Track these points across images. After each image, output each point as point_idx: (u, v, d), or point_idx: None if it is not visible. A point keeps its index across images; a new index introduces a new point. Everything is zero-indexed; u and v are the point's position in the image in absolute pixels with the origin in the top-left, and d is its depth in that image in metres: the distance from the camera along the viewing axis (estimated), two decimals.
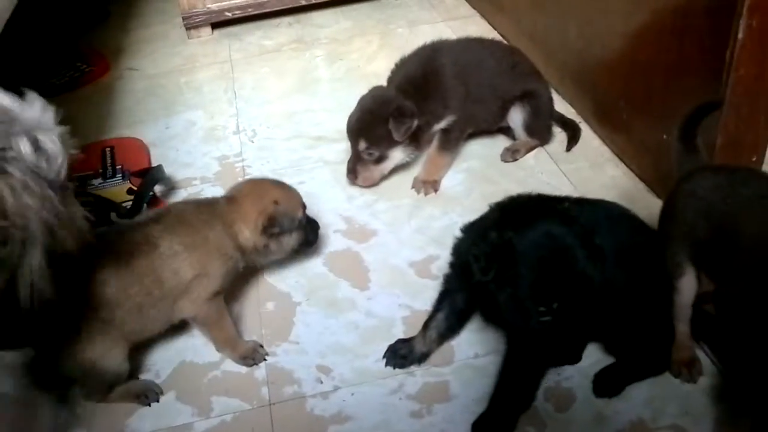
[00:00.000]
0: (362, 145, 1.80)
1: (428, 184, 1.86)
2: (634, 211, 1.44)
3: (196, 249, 1.40)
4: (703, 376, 1.34)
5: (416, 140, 1.84)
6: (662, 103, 1.68)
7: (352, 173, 1.85)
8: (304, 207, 1.55)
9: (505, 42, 2.03)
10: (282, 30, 2.76)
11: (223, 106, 2.32)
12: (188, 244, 1.39)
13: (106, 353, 1.34)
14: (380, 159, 1.83)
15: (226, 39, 2.74)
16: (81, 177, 1.92)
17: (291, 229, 1.50)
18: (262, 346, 1.49)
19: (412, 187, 1.88)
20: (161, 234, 1.39)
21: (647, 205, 1.74)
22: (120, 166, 1.95)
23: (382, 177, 1.88)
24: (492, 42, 2.04)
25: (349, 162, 1.86)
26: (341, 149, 2.05)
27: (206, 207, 1.48)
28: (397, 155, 1.84)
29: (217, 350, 1.48)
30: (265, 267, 1.65)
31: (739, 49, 1.39)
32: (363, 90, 2.28)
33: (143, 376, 1.46)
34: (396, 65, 1.95)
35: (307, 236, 1.57)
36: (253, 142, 2.12)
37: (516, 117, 1.94)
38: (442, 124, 1.85)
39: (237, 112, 2.28)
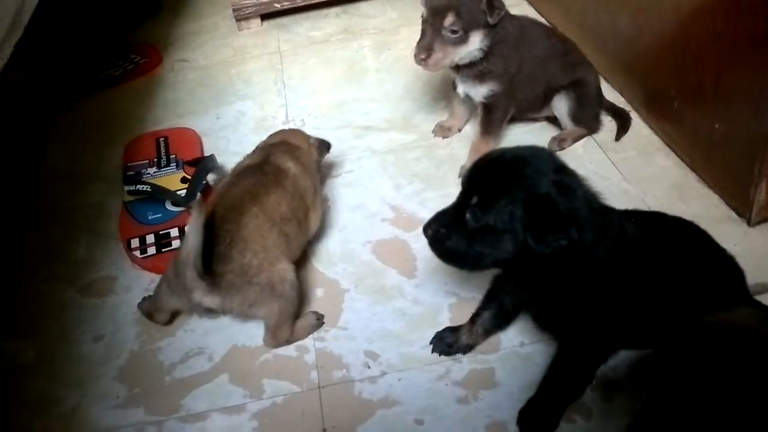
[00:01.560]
0: (450, 19, 1.71)
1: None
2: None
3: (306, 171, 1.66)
4: None
5: (488, 37, 1.76)
6: (714, 92, 1.65)
7: (426, 50, 1.73)
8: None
9: (559, 30, 2.01)
10: (330, 20, 2.78)
11: (272, 96, 2.36)
12: (300, 167, 1.64)
13: (290, 268, 1.49)
14: (460, 40, 1.74)
15: (275, 30, 2.77)
16: (136, 166, 1.97)
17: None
18: None
19: (459, 176, 1.88)
20: (284, 162, 1.62)
21: (698, 195, 1.73)
22: (174, 156, 2.00)
23: (451, 63, 1.80)
24: (548, 27, 2.02)
25: (421, 39, 1.75)
26: (388, 138, 2.07)
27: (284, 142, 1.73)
28: (475, 40, 1.75)
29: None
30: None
31: None
32: (410, 80, 2.32)
33: (197, 358, 1.50)
34: None
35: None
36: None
37: (561, 105, 1.93)
38: (484, 90, 1.83)
39: (286, 103, 2.31)
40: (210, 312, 1.50)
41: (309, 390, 1.42)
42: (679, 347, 0.96)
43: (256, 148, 1.74)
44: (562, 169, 1.18)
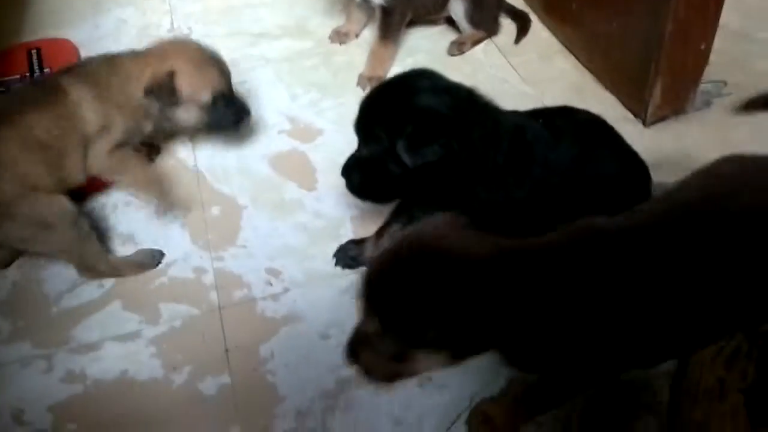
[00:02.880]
0: None
1: (374, 80, 1.80)
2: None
3: (102, 101, 1.40)
4: None
5: None
6: None
7: None
8: (222, 89, 1.49)
9: None
10: None
11: (155, 2, 2.18)
12: (95, 95, 1.40)
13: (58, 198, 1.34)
14: None
15: None
16: (6, 81, 1.80)
17: (176, 104, 1.46)
18: None
19: (357, 84, 1.82)
20: (71, 83, 1.39)
21: (596, 96, 1.73)
22: (48, 69, 1.83)
23: None
24: None
25: None
26: (283, 46, 1.97)
27: (112, 60, 1.47)
28: None
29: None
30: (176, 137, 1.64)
31: None
32: None
33: (85, 287, 1.41)
34: None
35: (218, 119, 1.51)
36: None
37: (457, 6, 1.86)
38: None
39: (170, 9, 2.15)
40: None
41: (209, 312, 1.37)
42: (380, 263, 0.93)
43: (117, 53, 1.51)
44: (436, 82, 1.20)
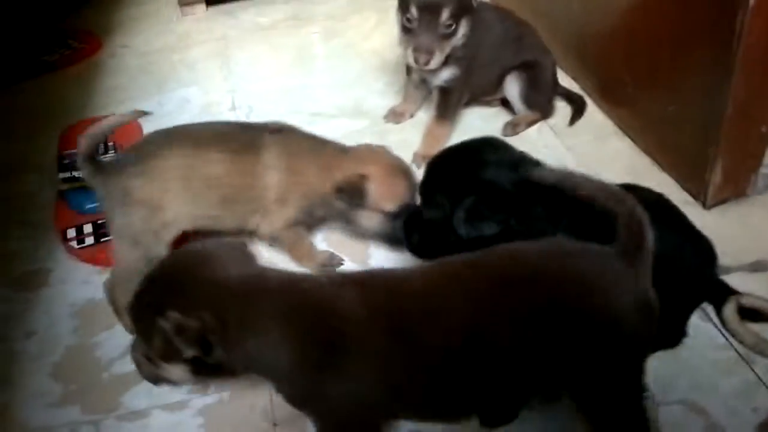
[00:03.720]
0: (445, 14, 1.66)
1: (428, 159, 1.81)
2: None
3: (291, 175, 1.46)
4: (714, 351, 1.31)
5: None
6: (668, 74, 1.64)
7: (430, 53, 1.67)
8: (406, 202, 1.46)
9: (516, 15, 1.98)
10: (277, 7, 2.70)
11: (218, 82, 2.27)
12: (287, 167, 1.46)
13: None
14: (452, 33, 1.69)
15: (220, 16, 2.68)
16: (73, 154, 1.86)
17: (359, 206, 1.46)
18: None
19: (412, 162, 1.83)
20: (271, 145, 1.46)
21: (653, 178, 1.71)
22: (113, 143, 1.90)
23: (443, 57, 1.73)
24: (504, 10, 1.97)
25: (415, 40, 1.68)
26: (339, 125, 2.01)
27: (319, 142, 1.54)
28: (462, 30, 1.71)
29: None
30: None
31: (750, 16, 1.35)
32: (360, 67, 2.26)
33: None
34: None
35: (392, 230, 1.48)
36: (249, 118, 2.07)
37: (512, 87, 1.89)
38: (444, 74, 1.79)
39: (233, 89, 2.23)
40: None
41: (258, 384, 1.35)
42: None
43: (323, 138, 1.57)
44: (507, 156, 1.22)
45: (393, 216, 1.46)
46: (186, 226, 1.45)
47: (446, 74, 1.78)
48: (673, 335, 1.31)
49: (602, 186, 1.01)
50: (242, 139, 1.46)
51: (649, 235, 0.97)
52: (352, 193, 1.44)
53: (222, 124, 1.56)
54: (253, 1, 2.74)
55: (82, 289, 1.56)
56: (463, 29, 1.71)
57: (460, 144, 1.30)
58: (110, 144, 1.90)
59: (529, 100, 1.89)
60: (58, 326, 1.48)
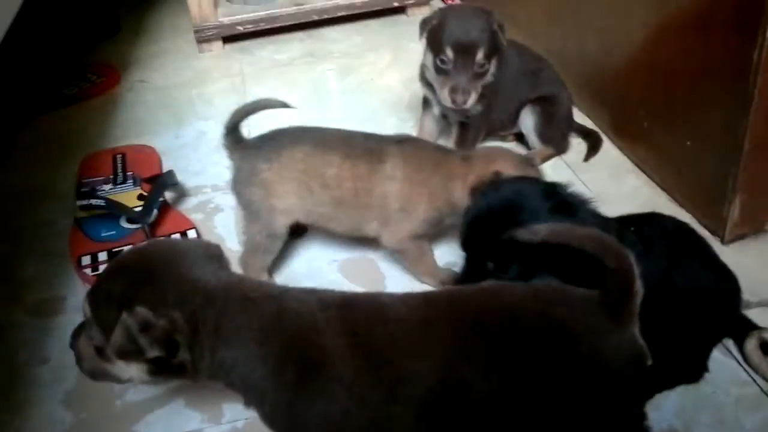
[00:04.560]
0: (480, 55, 1.69)
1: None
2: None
3: (412, 185, 1.48)
4: (736, 386, 1.29)
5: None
6: (685, 109, 1.65)
7: (464, 92, 1.69)
8: None
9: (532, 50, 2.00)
10: (294, 44, 2.74)
11: None
12: (407, 177, 1.48)
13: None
14: (485, 72, 1.73)
15: (237, 53, 2.72)
16: (91, 182, 1.88)
17: None
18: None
19: None
20: (394, 155, 1.49)
21: (670, 214, 1.69)
22: (131, 173, 1.92)
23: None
24: (520, 45, 1.98)
25: (450, 81, 1.70)
26: None
27: (443, 152, 1.56)
28: (493, 68, 1.75)
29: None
30: None
31: (767, 50, 1.36)
32: (375, 103, 2.28)
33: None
34: None
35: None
36: None
37: (527, 120, 1.91)
38: (470, 110, 1.80)
39: (249, 123, 2.23)
40: None
41: None
42: None
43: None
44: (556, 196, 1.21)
45: None
46: (298, 218, 1.53)
47: (471, 110, 1.80)
48: (694, 370, 1.29)
49: (590, 235, 1.00)
50: (365, 146, 1.51)
51: (638, 284, 0.95)
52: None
53: (352, 131, 1.60)
54: (270, 38, 2.78)
55: None
56: (493, 67, 1.74)
57: (503, 195, 1.23)
58: (129, 173, 1.91)
59: (544, 135, 1.90)
60: (71, 354, 1.45)
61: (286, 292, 1.02)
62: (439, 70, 1.73)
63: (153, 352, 0.91)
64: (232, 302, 0.95)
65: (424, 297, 1.03)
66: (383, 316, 0.98)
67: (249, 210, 1.54)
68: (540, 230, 1.03)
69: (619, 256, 0.94)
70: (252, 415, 1.28)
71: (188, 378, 0.99)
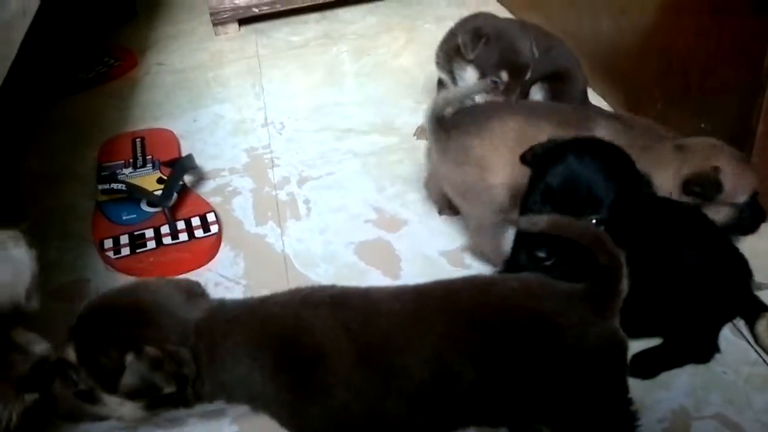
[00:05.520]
0: (529, 72, 1.76)
1: None
2: None
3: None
4: (747, 366, 1.31)
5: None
6: (700, 91, 1.65)
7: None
8: (752, 191, 1.43)
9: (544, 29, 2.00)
10: (309, 26, 2.76)
11: (250, 99, 2.32)
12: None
13: None
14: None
15: (252, 35, 2.74)
16: (111, 166, 1.92)
17: (710, 199, 1.40)
18: None
19: None
20: (601, 127, 1.45)
21: None
22: (150, 156, 1.95)
23: None
24: (531, 24, 1.98)
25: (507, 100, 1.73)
26: (370, 141, 2.04)
27: (654, 136, 1.51)
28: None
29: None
30: None
31: None
32: (390, 84, 2.29)
33: None
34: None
35: (741, 219, 1.45)
36: (281, 134, 2.11)
37: (536, 97, 1.90)
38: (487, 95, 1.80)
39: (264, 106, 2.27)
40: None
41: None
42: None
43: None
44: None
45: (742, 206, 1.43)
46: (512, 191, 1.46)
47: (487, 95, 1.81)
48: (705, 350, 1.31)
49: (588, 231, 1.01)
50: (575, 116, 1.49)
51: (624, 284, 0.97)
52: (707, 186, 1.39)
53: (557, 103, 1.57)
54: (285, 20, 2.80)
55: None
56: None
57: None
58: (148, 157, 1.94)
59: None
60: None
61: (267, 300, 1.04)
62: (494, 91, 1.74)
63: (170, 388, 0.93)
64: (218, 329, 0.98)
65: (415, 290, 1.04)
66: (375, 310, 1.00)
67: (466, 193, 1.50)
68: (539, 221, 1.05)
69: (611, 256, 0.96)
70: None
71: (186, 407, 1.02)
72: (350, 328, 0.97)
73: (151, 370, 0.91)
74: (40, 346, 1.08)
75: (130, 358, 0.91)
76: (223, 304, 1.03)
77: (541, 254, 1.11)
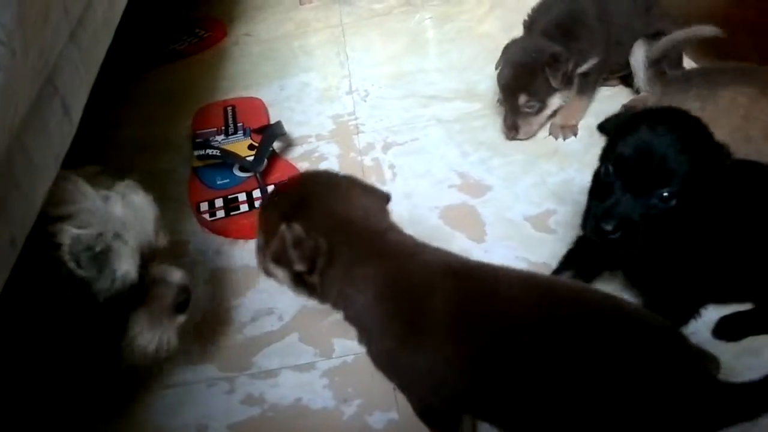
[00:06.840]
0: (523, 99, 1.78)
1: (567, 129, 1.84)
2: None
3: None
4: None
5: (569, 82, 1.81)
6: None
7: (513, 129, 1.83)
8: None
9: None
10: None
11: (335, 68, 2.36)
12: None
13: None
14: (540, 109, 1.81)
15: (336, 4, 2.77)
16: (205, 133, 2.00)
17: None
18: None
19: (550, 134, 1.86)
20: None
21: None
22: (241, 124, 2.02)
23: (540, 126, 1.88)
24: None
25: (505, 119, 1.85)
26: (453, 107, 2.05)
27: None
28: (555, 101, 1.82)
29: None
30: None
31: None
32: (474, 51, 2.29)
33: (267, 318, 1.52)
34: (533, 10, 1.91)
35: None
36: (365, 101, 2.15)
37: (638, 53, 1.83)
38: (585, 67, 1.81)
39: (349, 74, 2.31)
40: None
41: None
42: None
43: None
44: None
45: None
46: None
47: (586, 66, 1.82)
48: None
49: None
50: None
51: None
52: None
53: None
54: None
55: (215, 259, 1.68)
56: (556, 102, 1.85)
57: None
58: (239, 124, 2.01)
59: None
60: (197, 292, 1.58)
61: (417, 253, 1.07)
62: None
63: (298, 266, 1.02)
64: (366, 251, 1.03)
65: (548, 284, 1.04)
66: (495, 291, 1.00)
67: None
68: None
69: None
70: (360, 351, 1.38)
71: (317, 299, 1.10)
72: (465, 307, 0.99)
73: (292, 245, 1.01)
74: (176, 274, 1.26)
75: (282, 227, 1.01)
76: (387, 232, 1.08)
77: (608, 227, 1.10)
